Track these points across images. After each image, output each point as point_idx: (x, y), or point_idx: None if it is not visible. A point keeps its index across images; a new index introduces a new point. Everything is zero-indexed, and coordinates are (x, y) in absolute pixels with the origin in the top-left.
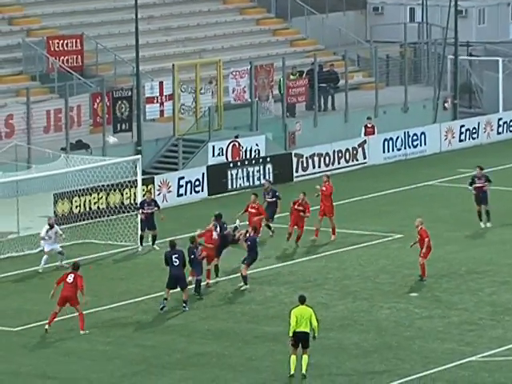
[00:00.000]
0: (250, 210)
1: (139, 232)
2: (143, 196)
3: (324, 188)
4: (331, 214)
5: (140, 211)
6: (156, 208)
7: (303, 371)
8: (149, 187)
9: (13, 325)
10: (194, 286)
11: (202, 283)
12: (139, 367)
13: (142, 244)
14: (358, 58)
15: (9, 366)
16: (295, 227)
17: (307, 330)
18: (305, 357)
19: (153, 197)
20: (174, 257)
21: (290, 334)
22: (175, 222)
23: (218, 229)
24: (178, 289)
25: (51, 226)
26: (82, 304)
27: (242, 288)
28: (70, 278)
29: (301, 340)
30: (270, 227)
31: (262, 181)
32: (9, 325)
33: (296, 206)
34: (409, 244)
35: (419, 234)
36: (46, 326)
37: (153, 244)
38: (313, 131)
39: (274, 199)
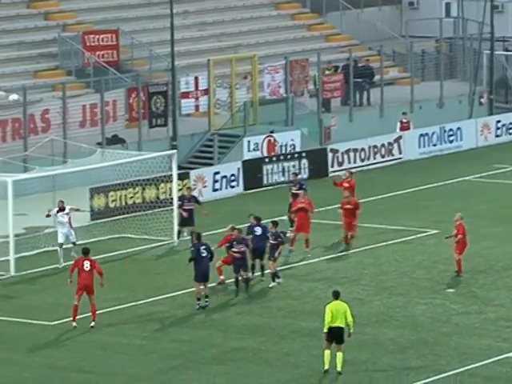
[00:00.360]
0: (298, 205)
1: (175, 227)
2: (182, 191)
3: (347, 184)
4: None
5: (179, 207)
6: (196, 204)
7: (339, 369)
8: (184, 182)
9: (49, 319)
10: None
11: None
12: (175, 362)
13: (178, 238)
14: (393, 53)
15: (45, 360)
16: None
17: (342, 325)
18: (339, 354)
19: (192, 193)
20: (202, 248)
21: (325, 330)
22: (211, 217)
23: (260, 229)
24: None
25: (61, 210)
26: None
27: (271, 285)
28: (87, 266)
29: (335, 335)
30: (292, 221)
31: (291, 175)
32: (45, 319)
33: (345, 206)
34: (445, 239)
35: (456, 228)
36: (74, 324)
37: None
38: (348, 126)
39: (299, 191)
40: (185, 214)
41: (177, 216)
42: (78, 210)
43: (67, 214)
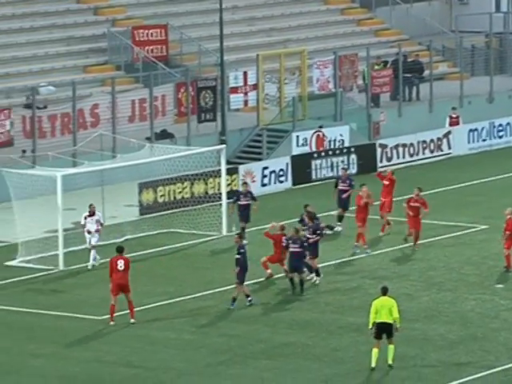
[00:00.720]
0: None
1: (224, 221)
2: (231, 186)
3: (387, 182)
4: (388, 210)
5: (234, 202)
6: (252, 200)
7: (390, 362)
8: (233, 177)
9: (98, 313)
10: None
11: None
12: (224, 356)
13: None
14: (442, 48)
15: (94, 354)
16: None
17: (389, 320)
18: (391, 347)
19: (249, 188)
20: (246, 247)
21: (370, 326)
22: (259, 212)
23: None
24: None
25: (92, 214)
26: None
27: (314, 281)
28: (121, 265)
29: (383, 331)
30: (341, 217)
31: (340, 170)
32: (94, 313)
33: (411, 203)
34: (494, 235)
35: (506, 223)
36: (111, 323)
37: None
38: (397, 121)
39: (348, 188)
40: (240, 209)
41: (227, 211)
42: (101, 224)
43: (97, 220)
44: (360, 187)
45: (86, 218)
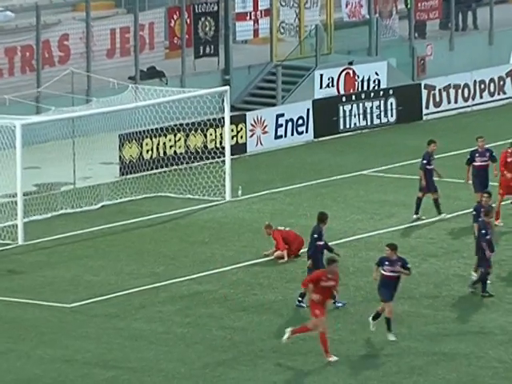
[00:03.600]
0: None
1: (228, 183)
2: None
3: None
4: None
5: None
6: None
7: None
8: (239, 127)
9: (67, 300)
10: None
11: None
12: (226, 355)
13: (417, 213)
14: None
15: (62, 352)
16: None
17: None
18: None
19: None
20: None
21: None
22: (271, 172)
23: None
24: None
25: None
26: None
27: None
28: None
29: None
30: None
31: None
32: (62, 300)
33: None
34: None
35: None
36: (331, 359)
37: (438, 211)
38: (448, 56)
39: (486, 163)
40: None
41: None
42: None
43: None
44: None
45: None
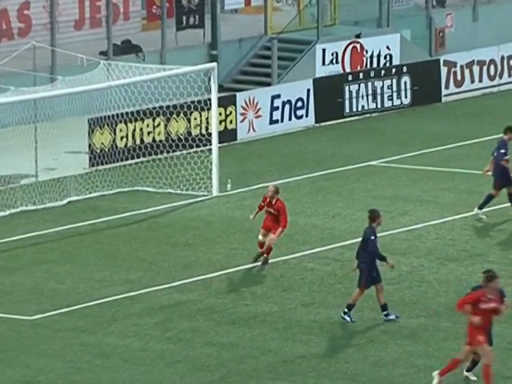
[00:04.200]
0: None
1: (215, 176)
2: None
3: None
4: None
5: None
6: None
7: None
8: (228, 110)
9: (28, 312)
10: None
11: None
12: (212, 375)
13: (482, 208)
14: None
15: (22, 372)
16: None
17: None
18: None
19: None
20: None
21: None
22: (266, 162)
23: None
24: None
25: None
26: None
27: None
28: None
29: None
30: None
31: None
32: (22, 312)
33: None
34: None
35: None
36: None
37: None
38: (471, 28)
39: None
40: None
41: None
42: None
43: None
44: None
45: None
